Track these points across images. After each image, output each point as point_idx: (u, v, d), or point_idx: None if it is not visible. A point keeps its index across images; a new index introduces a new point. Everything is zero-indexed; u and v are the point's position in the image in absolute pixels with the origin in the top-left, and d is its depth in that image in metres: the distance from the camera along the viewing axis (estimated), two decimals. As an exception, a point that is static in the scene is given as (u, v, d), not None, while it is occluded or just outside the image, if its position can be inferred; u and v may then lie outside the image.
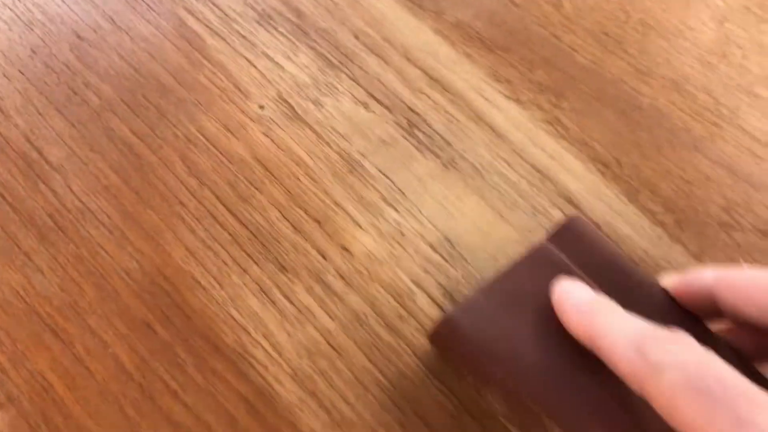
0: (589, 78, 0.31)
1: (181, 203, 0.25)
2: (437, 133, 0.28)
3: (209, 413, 0.21)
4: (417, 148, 0.28)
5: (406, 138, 0.28)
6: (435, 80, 0.29)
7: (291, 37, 0.29)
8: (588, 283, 0.19)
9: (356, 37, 0.30)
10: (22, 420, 0.20)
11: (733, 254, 0.27)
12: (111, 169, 0.25)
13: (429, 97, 0.29)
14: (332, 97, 0.28)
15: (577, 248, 0.21)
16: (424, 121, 0.28)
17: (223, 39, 0.29)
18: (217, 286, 0.23)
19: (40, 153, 0.25)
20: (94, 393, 0.21)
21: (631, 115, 0.30)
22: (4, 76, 0.27)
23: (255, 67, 0.28)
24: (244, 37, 0.29)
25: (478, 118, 0.29)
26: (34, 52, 0.28)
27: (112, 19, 0.29)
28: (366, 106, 0.28)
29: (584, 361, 0.17)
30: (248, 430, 0.21)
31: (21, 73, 0.27)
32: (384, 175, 0.27)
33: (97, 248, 0.23)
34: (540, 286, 0.19)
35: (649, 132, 0.29)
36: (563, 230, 0.22)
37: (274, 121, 0.27)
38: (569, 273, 0.20)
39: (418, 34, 0.30)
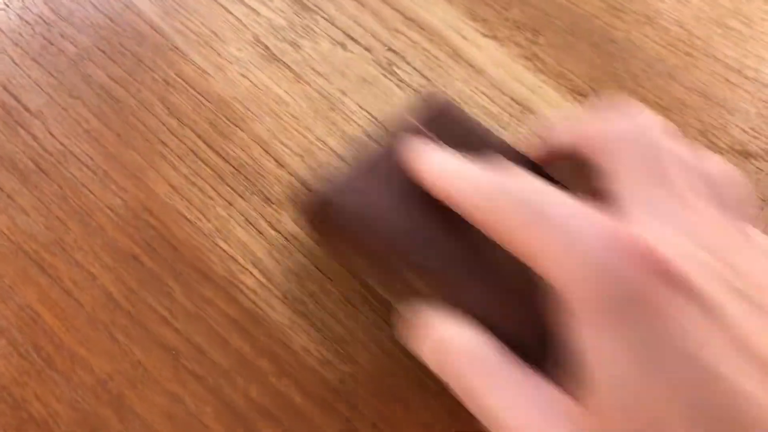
0: (563, 15, 0.32)
1: (163, 143, 0.25)
2: (417, 71, 0.29)
3: (200, 336, 0.21)
4: (398, 86, 0.28)
5: (386, 76, 0.28)
6: (412, 20, 0.30)
7: (266, -17, 0.30)
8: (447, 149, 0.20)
9: (331, -18, 0.31)
10: (12, 349, 0.21)
11: (711, 173, 0.27)
12: (91, 113, 0.26)
13: (407, 37, 0.30)
14: (309, 39, 0.29)
15: (443, 126, 0.22)
16: (403, 59, 0.29)
17: (198, -13, 0.30)
18: (203, 218, 0.24)
19: (18, 101, 0.26)
20: (84, 322, 0.21)
21: (606, 48, 0.31)
22: (-22, 28, 0.27)
23: (231, 13, 0.29)
24: (219, -15, 0.30)
25: (457, 55, 0.29)
26: (6, 5, 0.28)
27: (85, -28, 0.29)
28: (344, 46, 0.29)
29: (450, 220, 0.18)
30: (240, 350, 0.21)
31: (-5, 25, 0.27)
32: (365, 111, 0.27)
33: (80, 188, 0.24)
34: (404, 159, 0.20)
35: (625, 63, 0.30)
36: (429, 112, 0.22)
37: (251, 63, 0.28)
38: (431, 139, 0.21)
39: (393, -23, 0.31)
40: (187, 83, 0.27)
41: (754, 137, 0.29)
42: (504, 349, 0.16)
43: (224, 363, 0.21)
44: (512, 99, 0.29)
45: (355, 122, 0.27)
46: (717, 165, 0.18)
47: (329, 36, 0.29)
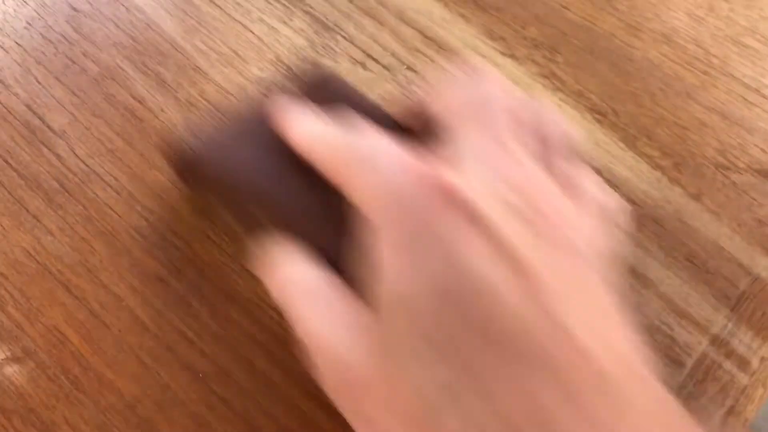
0: (581, 33, 0.32)
1: (187, 163, 0.25)
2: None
3: (226, 358, 0.22)
4: (416, 105, 0.29)
5: (405, 95, 0.29)
6: (430, 39, 0.30)
7: (285, 2, 0.30)
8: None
9: (350, 1, 0.31)
10: (41, 372, 0.21)
11: (730, 193, 0.28)
12: (114, 133, 0.26)
13: (426, 56, 0.30)
14: (330, 58, 0.29)
15: (323, 95, 0.23)
16: (423, 78, 0.29)
17: (218, 6, 0.30)
18: (227, 239, 0.24)
19: (42, 120, 0.26)
20: (111, 344, 0.22)
21: (623, 67, 0.31)
22: (1, 48, 0.28)
23: (251, 32, 0.29)
24: (238, 4, 0.30)
25: (475, 74, 0.30)
26: (30, 24, 0.28)
27: (107, -9, 0.30)
28: (364, 65, 0.29)
29: (305, 172, 0.20)
30: (266, 372, 0.22)
31: (18, 44, 0.28)
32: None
33: (105, 208, 0.24)
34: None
35: (643, 82, 0.31)
36: (312, 81, 0.24)
37: (274, 83, 0.28)
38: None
39: (412, -4, 0.32)
40: (210, 103, 0.27)
41: (773, 157, 0.29)
42: (328, 274, 0.19)
43: (250, 386, 0.21)
44: (531, 118, 0.29)
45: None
46: (548, 116, 0.22)
47: (349, 55, 0.29)
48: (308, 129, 0.21)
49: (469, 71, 0.22)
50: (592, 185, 0.21)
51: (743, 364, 0.24)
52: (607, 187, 0.22)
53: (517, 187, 0.18)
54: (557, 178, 0.20)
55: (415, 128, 0.23)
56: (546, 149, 0.20)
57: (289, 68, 0.29)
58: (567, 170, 0.20)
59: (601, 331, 0.16)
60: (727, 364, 0.24)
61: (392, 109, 0.24)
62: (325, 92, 0.24)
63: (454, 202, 0.17)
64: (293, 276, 0.19)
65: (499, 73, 0.23)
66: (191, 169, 0.22)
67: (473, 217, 0.17)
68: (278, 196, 0.21)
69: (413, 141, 0.23)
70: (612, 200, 0.22)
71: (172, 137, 0.24)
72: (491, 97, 0.21)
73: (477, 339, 0.15)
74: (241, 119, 0.23)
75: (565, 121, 0.22)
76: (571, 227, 0.18)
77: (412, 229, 0.17)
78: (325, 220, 0.20)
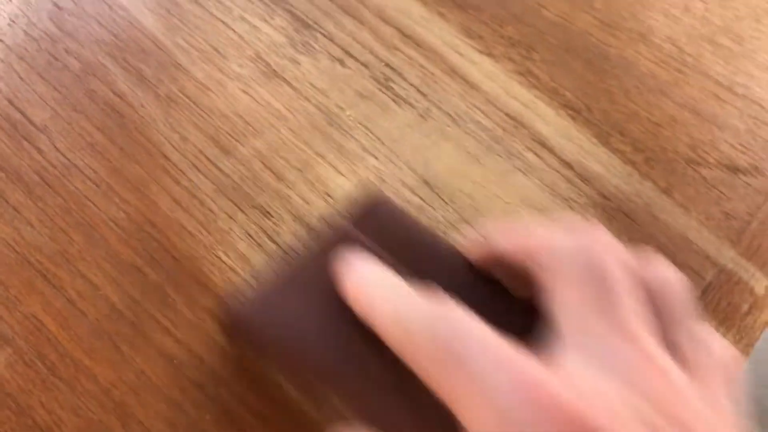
0: (557, 32, 0.33)
1: (165, 157, 0.26)
2: (413, 86, 0.30)
3: (200, 346, 0.22)
4: (394, 101, 0.29)
5: (382, 91, 0.30)
6: (409, 37, 0.31)
7: (266, 0, 0.31)
8: (384, 260, 0.20)
9: (330, 0, 0.32)
10: (18, 358, 0.22)
11: (700, 188, 0.29)
12: (95, 128, 0.27)
13: (404, 53, 0.31)
14: (309, 56, 0.30)
15: (379, 226, 0.21)
16: (400, 75, 0.30)
17: (200, 5, 0.31)
18: (204, 231, 0.25)
19: (23, 115, 0.27)
20: (87, 332, 0.22)
21: (599, 64, 0.32)
22: (-15, 44, 0.28)
23: (232, 29, 0.30)
24: (220, 2, 0.31)
25: (452, 71, 0.31)
26: (13, 21, 0.29)
27: (90, -11, 0.30)
28: (342, 62, 0.30)
29: (370, 340, 0.18)
30: (239, 358, 0.22)
31: (1, 41, 0.28)
32: (362, 126, 0.28)
33: (84, 201, 0.25)
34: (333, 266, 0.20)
35: (617, 79, 0.32)
36: (364, 211, 0.22)
37: (252, 79, 0.29)
38: (365, 250, 0.20)
39: (391, -5, 0.32)
40: (189, 99, 0.28)
41: (743, 152, 0.30)
42: None
43: (223, 371, 0.22)
44: (506, 114, 0.30)
45: (352, 136, 0.28)
46: (663, 274, 0.18)
47: (328, 52, 0.30)
48: (377, 298, 0.18)
49: (570, 224, 0.19)
50: (718, 348, 0.18)
51: (707, 352, 0.24)
52: (725, 341, 0.19)
53: (663, 408, 0.15)
54: (681, 349, 0.17)
55: (489, 272, 0.21)
56: (665, 315, 0.17)
57: (342, 200, 0.26)
58: (691, 339, 0.18)
59: None
60: (692, 353, 0.24)
61: (459, 245, 0.21)
62: (380, 224, 0.22)
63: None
64: None
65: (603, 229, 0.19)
66: (239, 333, 0.21)
67: None
68: (341, 366, 0.18)
69: (487, 289, 0.20)
70: (733, 352, 0.19)
71: (225, 297, 0.23)
72: (598, 258, 0.17)
73: None
74: (295, 268, 0.21)
75: (676, 273, 0.18)
76: None
77: None
78: (396, 393, 0.18)
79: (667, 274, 0.18)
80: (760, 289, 0.26)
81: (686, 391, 0.16)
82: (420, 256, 0.21)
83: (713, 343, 0.18)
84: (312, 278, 0.20)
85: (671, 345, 0.17)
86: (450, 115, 0.29)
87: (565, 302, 0.17)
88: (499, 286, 0.21)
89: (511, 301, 0.20)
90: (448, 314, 0.16)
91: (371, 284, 0.18)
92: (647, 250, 0.19)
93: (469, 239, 0.21)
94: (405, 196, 0.27)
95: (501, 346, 0.15)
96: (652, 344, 0.16)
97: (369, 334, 0.17)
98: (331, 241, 0.21)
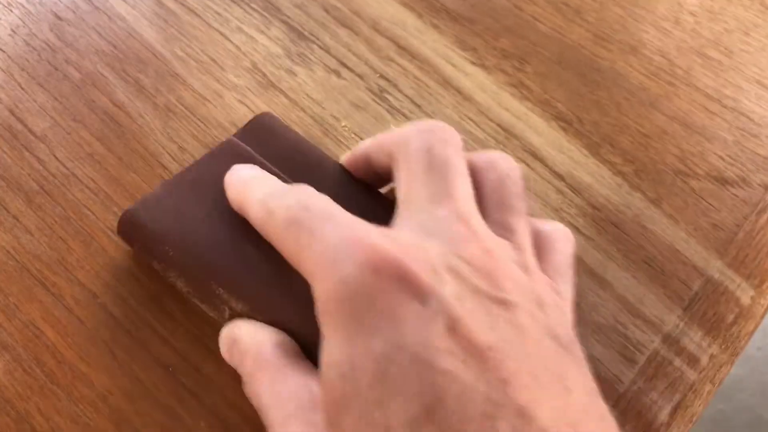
0: (550, 44, 0.33)
1: (163, 166, 0.27)
2: (407, 97, 0.30)
3: (197, 354, 0.23)
4: (388, 111, 0.30)
5: (377, 102, 0.30)
6: (403, 49, 0.32)
7: (263, 12, 0.32)
8: (269, 170, 0.23)
9: (326, 11, 0.32)
10: (16, 365, 0.22)
11: (688, 199, 0.29)
12: (94, 138, 0.27)
13: (398, 65, 0.31)
14: (304, 67, 0.30)
15: (263, 140, 0.25)
16: (395, 86, 0.31)
17: (198, 15, 0.31)
18: (200, 240, 0.25)
19: (24, 124, 0.27)
20: (85, 339, 0.23)
21: (590, 76, 0.33)
22: (-14, 54, 0.29)
23: (230, 40, 0.31)
24: (218, 13, 0.31)
25: (446, 82, 0.31)
26: (14, 31, 0.30)
27: (90, 0, 0.31)
28: (338, 74, 0.31)
29: (249, 234, 0.21)
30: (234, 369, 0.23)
31: (2, 50, 0.29)
32: (357, 136, 0.29)
33: (83, 209, 0.25)
34: (221, 174, 0.22)
35: (608, 91, 0.32)
36: (250, 126, 0.26)
37: (249, 90, 0.29)
38: (251, 160, 0.23)
39: (386, 7, 0.33)
40: (187, 109, 0.28)
41: (731, 164, 0.31)
42: (288, 348, 0.19)
43: (219, 380, 0.23)
44: (498, 125, 0.30)
45: (347, 147, 0.29)
46: (494, 161, 0.21)
47: (324, 64, 0.31)
48: (249, 190, 0.21)
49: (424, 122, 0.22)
50: (548, 229, 0.22)
51: (693, 361, 0.25)
52: (556, 224, 0.23)
53: (473, 263, 0.17)
54: (509, 230, 0.20)
55: (359, 175, 0.24)
56: (490, 192, 0.21)
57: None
58: (511, 207, 0.21)
59: (570, 417, 0.16)
60: (677, 361, 0.25)
61: (332, 153, 0.25)
62: (263, 134, 0.25)
63: (399, 278, 0.16)
64: (249, 347, 0.19)
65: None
66: (133, 233, 0.23)
67: (421, 293, 0.16)
68: (225, 261, 0.21)
69: (358, 189, 0.24)
70: (560, 227, 0.22)
71: (126, 208, 0.24)
72: (443, 139, 0.20)
73: (421, 414, 0.15)
74: (186, 176, 0.24)
75: (510, 164, 0.22)
76: (534, 303, 0.18)
77: (357, 311, 0.16)
78: (281, 286, 0.20)
79: (500, 162, 0.21)
80: (746, 300, 0.27)
81: (500, 255, 0.18)
82: (300, 165, 0.24)
83: (541, 226, 0.22)
84: (200, 184, 0.23)
85: (503, 226, 0.20)
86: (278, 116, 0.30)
87: (407, 185, 0.20)
88: (373, 191, 0.24)
89: (381, 201, 0.24)
90: (303, 193, 0.19)
91: (247, 180, 0.21)
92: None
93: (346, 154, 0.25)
94: (398, 206, 0.27)
95: (344, 216, 0.18)
96: (478, 221, 0.19)
97: (250, 231, 0.20)
98: (219, 152, 0.24)
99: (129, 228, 0.23)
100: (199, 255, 0.21)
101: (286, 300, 0.20)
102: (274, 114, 0.27)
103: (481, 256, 0.18)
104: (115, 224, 0.24)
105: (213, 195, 0.22)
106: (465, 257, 0.17)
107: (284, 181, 0.21)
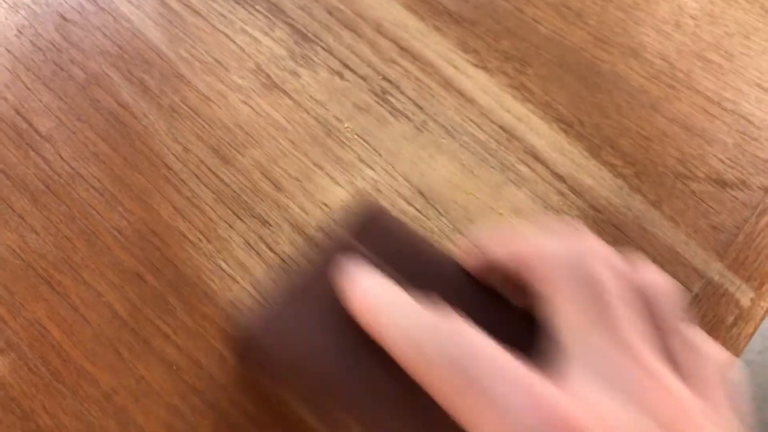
0: (551, 47, 0.34)
1: (167, 166, 0.27)
2: (409, 99, 0.31)
3: (200, 352, 0.23)
4: (391, 113, 0.30)
5: (379, 104, 0.30)
6: (406, 51, 0.32)
7: (267, 14, 0.32)
8: (384, 270, 0.20)
9: (330, 13, 0.32)
10: (22, 363, 0.22)
11: (689, 201, 0.29)
12: (99, 137, 0.27)
13: (401, 66, 0.31)
14: (308, 68, 0.31)
15: (377, 237, 0.22)
16: (397, 88, 0.31)
17: (203, 17, 0.31)
18: (204, 240, 0.25)
19: (30, 124, 0.27)
20: (90, 338, 0.23)
21: (591, 79, 0.33)
22: (-8, 54, 0.29)
23: (234, 42, 0.31)
24: (222, 15, 0.32)
25: (448, 84, 0.31)
26: (20, 32, 0.30)
27: (95, 1, 0.31)
28: (341, 75, 0.31)
29: (379, 356, 0.18)
30: (237, 365, 0.23)
31: (8, 51, 0.29)
32: (360, 137, 0.29)
33: (88, 209, 0.25)
34: (334, 280, 0.20)
35: (609, 94, 0.32)
36: (362, 222, 0.22)
37: (253, 91, 0.29)
38: (365, 260, 0.20)
39: (389, 9, 0.33)
40: (191, 109, 0.28)
41: (731, 167, 0.31)
42: None
43: (222, 378, 0.23)
44: (500, 127, 0.30)
45: (350, 147, 0.29)
46: (654, 283, 0.18)
47: (327, 65, 0.31)
48: (383, 313, 0.18)
49: (560, 229, 0.19)
50: (712, 354, 0.19)
51: (693, 362, 0.25)
52: (718, 346, 0.20)
53: (668, 426, 0.15)
54: (676, 356, 0.17)
55: (481, 278, 0.21)
56: (657, 320, 0.18)
57: (339, 210, 0.27)
58: (684, 345, 0.18)
59: None
60: (677, 363, 0.25)
61: (456, 255, 0.22)
62: (378, 235, 0.22)
63: None
64: None
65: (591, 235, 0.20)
66: (252, 357, 0.21)
67: None
68: (349, 383, 0.19)
69: (483, 297, 0.21)
70: (726, 356, 0.19)
71: (234, 321, 0.22)
72: (592, 268, 0.18)
73: None
74: (299, 283, 0.21)
75: (666, 278, 0.19)
76: None
77: None
78: (404, 406, 0.18)
79: (657, 279, 0.19)
80: (745, 302, 0.27)
81: (688, 407, 0.16)
82: (418, 266, 0.21)
83: (708, 350, 0.18)
84: (315, 292, 0.20)
85: (665, 351, 0.17)
86: (445, 128, 0.30)
87: (563, 315, 0.17)
88: (495, 293, 0.21)
89: (507, 309, 0.21)
90: (457, 331, 0.16)
91: (375, 298, 0.18)
92: (635, 255, 0.19)
93: (465, 249, 0.22)
94: (400, 207, 0.28)
95: (512, 365, 0.16)
96: (651, 358, 0.17)
97: (375, 347, 0.18)
98: (331, 252, 0.21)
99: (247, 352, 0.21)
100: (324, 382, 0.19)
101: (403, 412, 0.18)
102: (384, 206, 0.25)
103: (674, 414, 0.16)
104: (122, 223, 0.24)
105: (331, 306, 0.19)
106: (657, 417, 0.15)
107: (402, 285, 0.19)
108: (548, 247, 0.19)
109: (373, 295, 0.18)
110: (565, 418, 0.15)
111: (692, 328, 0.19)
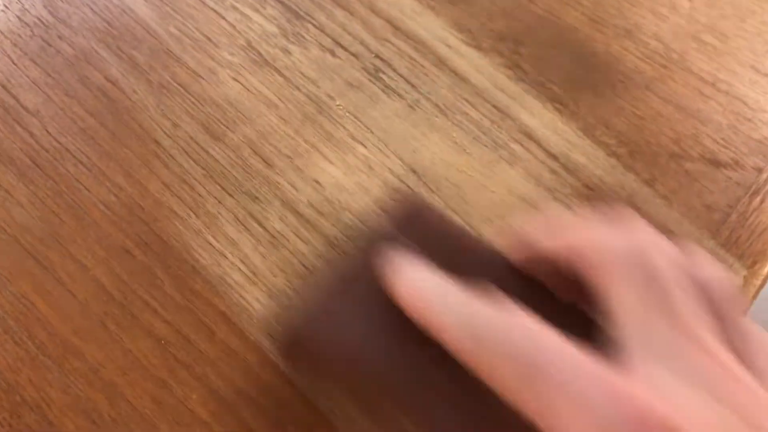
0: (546, 27, 0.33)
1: (156, 142, 0.27)
2: (402, 77, 0.30)
3: (188, 327, 0.23)
4: (383, 91, 0.30)
5: (372, 82, 0.30)
6: (399, 29, 0.32)
7: (259, -9, 0.32)
8: (426, 259, 0.19)
9: (322, -9, 0.32)
10: (7, 337, 0.22)
11: (683, 180, 0.29)
12: (87, 113, 0.27)
13: (394, 45, 0.31)
14: (299, 45, 0.30)
15: (419, 229, 0.21)
16: (390, 66, 0.31)
17: (193, -6, 0.31)
18: (193, 215, 0.25)
19: (16, 99, 0.27)
20: (77, 312, 0.23)
21: (586, 59, 0.33)
22: (-21, 29, 0.28)
23: (224, 18, 0.31)
24: (213, -8, 0.31)
25: (442, 63, 0.31)
26: (6, 7, 0.29)
27: (84, -23, 0.31)
28: (332, 53, 0.30)
29: (428, 349, 0.17)
30: (226, 340, 0.23)
31: (-5, 26, 0.29)
32: (352, 115, 0.29)
33: (75, 184, 0.25)
34: (379, 270, 0.19)
35: (604, 74, 0.32)
36: (404, 214, 0.22)
37: (243, 68, 0.29)
38: (410, 253, 0.20)
39: (382, -12, 0.33)
40: (181, 86, 0.28)
41: (724, 147, 0.31)
42: None
43: (211, 352, 0.22)
44: (493, 106, 0.30)
45: (341, 125, 0.29)
46: (711, 274, 0.18)
47: (319, 43, 0.31)
48: (436, 306, 0.17)
49: (612, 217, 0.19)
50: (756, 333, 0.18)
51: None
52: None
53: (747, 419, 0.15)
54: (737, 349, 0.17)
55: (530, 272, 0.20)
56: (715, 312, 0.17)
57: (381, 201, 0.26)
58: (744, 338, 0.17)
59: None
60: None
61: (500, 245, 0.21)
62: (420, 228, 0.21)
63: None
64: None
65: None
66: (299, 352, 0.20)
67: None
68: (399, 376, 0.18)
69: (537, 294, 0.20)
70: None
71: (278, 316, 0.22)
72: (652, 258, 0.17)
73: None
74: (343, 275, 0.20)
75: (721, 270, 0.18)
76: None
77: None
78: (460, 401, 0.18)
79: (714, 271, 0.18)
80: (738, 280, 0.27)
81: (764, 400, 0.15)
82: (461, 258, 0.20)
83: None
84: (359, 285, 0.19)
85: (727, 344, 0.17)
86: (438, 106, 0.30)
87: (623, 306, 0.17)
88: (541, 287, 0.20)
89: (554, 303, 0.20)
90: (519, 321, 0.16)
91: (426, 289, 0.18)
92: (687, 244, 0.19)
93: (510, 240, 0.21)
94: (393, 184, 0.27)
95: (580, 357, 0.15)
96: (720, 348, 0.16)
97: (424, 339, 0.17)
98: (373, 244, 0.20)
99: (292, 348, 0.20)
100: (373, 376, 0.18)
101: (470, 424, 0.18)
102: (424, 198, 0.24)
103: (751, 407, 0.15)
104: (110, 198, 0.24)
105: (376, 299, 0.19)
106: (735, 409, 0.15)
107: (449, 278, 0.18)
108: (604, 238, 0.18)
109: (424, 286, 0.18)
110: (643, 408, 0.14)
111: (749, 321, 0.18)
